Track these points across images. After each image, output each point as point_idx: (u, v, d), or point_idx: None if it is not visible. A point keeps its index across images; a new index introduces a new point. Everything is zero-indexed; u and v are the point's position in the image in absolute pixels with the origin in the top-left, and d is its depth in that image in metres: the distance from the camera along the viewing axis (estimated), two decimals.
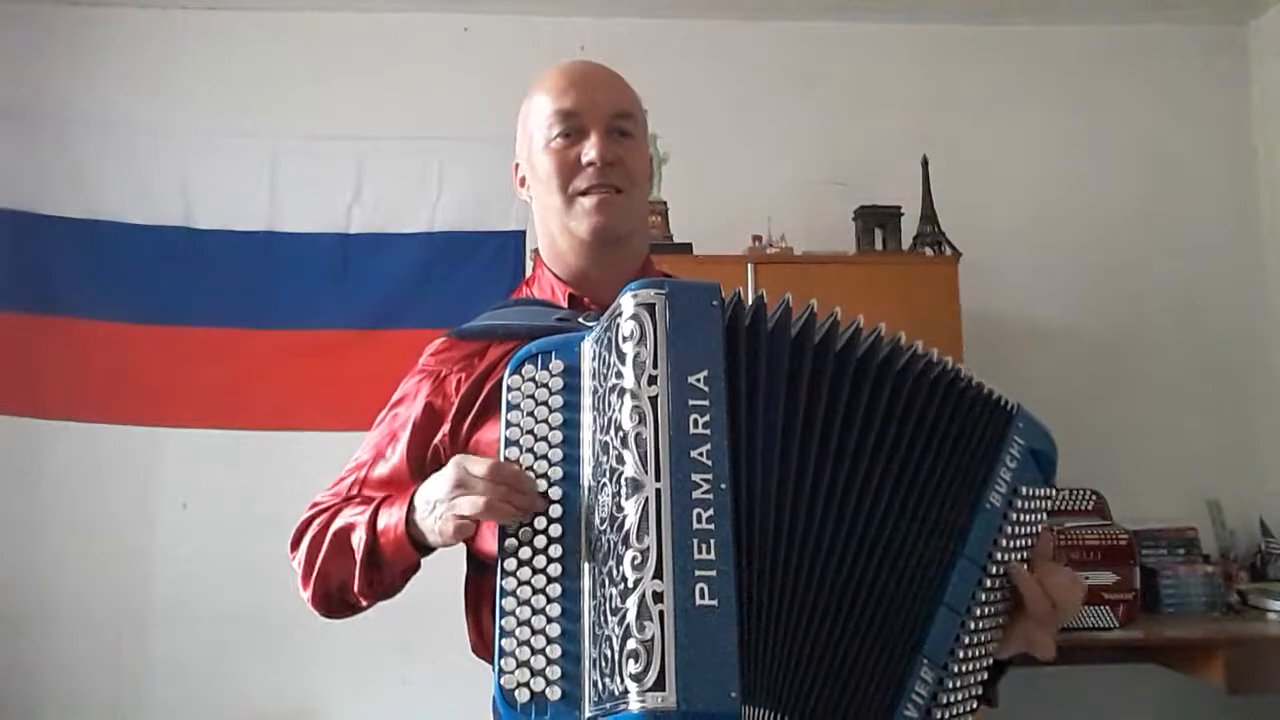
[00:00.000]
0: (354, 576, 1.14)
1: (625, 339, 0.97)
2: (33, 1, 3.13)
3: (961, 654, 1.02)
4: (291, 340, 3.07)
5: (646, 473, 0.92)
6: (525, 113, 1.27)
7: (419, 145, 3.11)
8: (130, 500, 2.99)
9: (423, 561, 1.14)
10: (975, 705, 1.04)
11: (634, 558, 0.90)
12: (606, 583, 0.92)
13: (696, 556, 0.90)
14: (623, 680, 0.87)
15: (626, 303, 0.99)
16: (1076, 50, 3.31)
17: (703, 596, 0.88)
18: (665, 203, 2.87)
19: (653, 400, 0.94)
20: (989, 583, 1.04)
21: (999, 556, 1.05)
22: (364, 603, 1.18)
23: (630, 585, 0.89)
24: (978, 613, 1.03)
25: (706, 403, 0.95)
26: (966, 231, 2.92)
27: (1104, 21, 3.29)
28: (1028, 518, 1.09)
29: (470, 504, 0.98)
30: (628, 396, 0.95)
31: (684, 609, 0.88)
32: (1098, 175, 3.25)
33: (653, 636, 0.87)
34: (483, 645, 1.17)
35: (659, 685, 0.85)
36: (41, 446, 2.98)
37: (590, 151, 1.19)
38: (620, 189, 1.21)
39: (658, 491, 0.91)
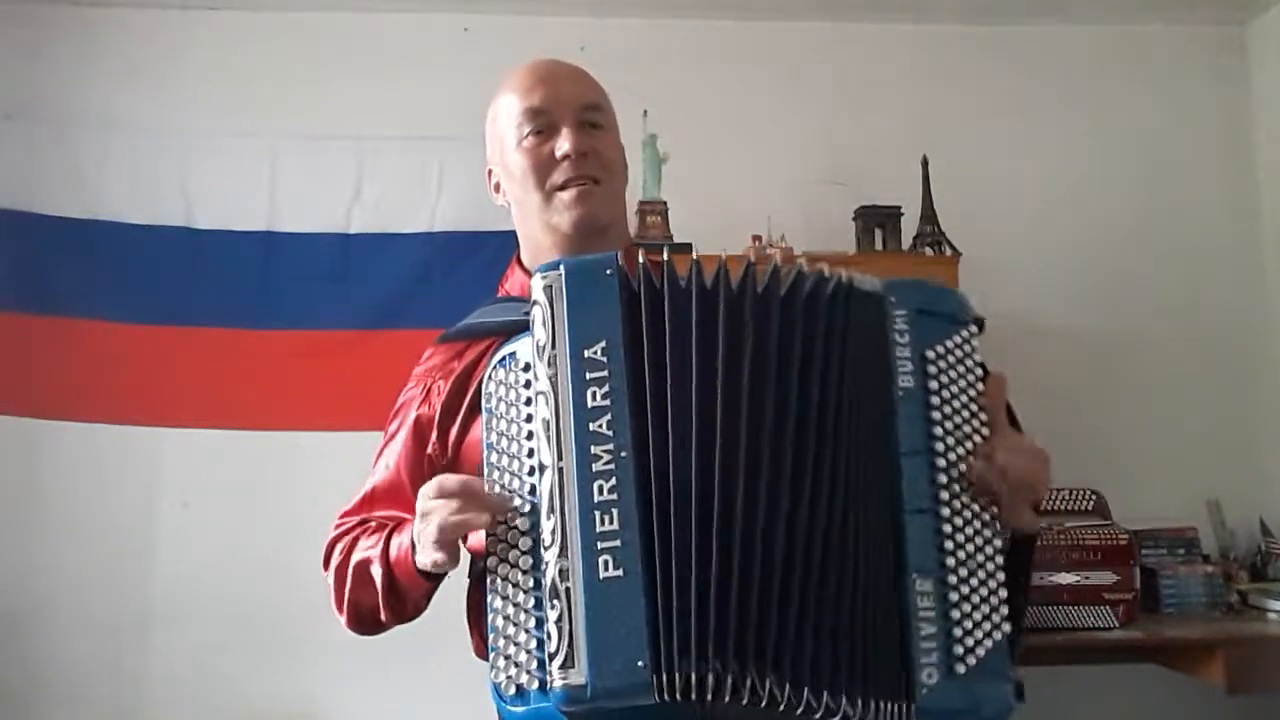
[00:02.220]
0: (379, 606, 1.17)
1: (533, 324, 0.99)
2: (33, 1, 3.13)
3: (951, 546, 0.95)
4: (291, 340, 3.06)
5: (552, 454, 0.94)
6: (492, 115, 1.27)
7: (419, 145, 3.11)
8: (130, 500, 2.98)
9: None
10: (1005, 608, 0.95)
11: (544, 539, 0.92)
12: (545, 567, 0.93)
13: (599, 529, 0.90)
14: (548, 661, 0.88)
15: (535, 287, 1.00)
16: (1076, 50, 3.30)
17: (607, 568, 0.89)
18: (665, 203, 2.87)
19: (552, 381, 0.96)
20: (942, 463, 0.98)
21: (940, 433, 0.98)
22: (395, 623, 1.21)
23: (543, 566, 0.91)
24: (952, 500, 0.96)
25: (605, 374, 0.95)
26: (966, 231, 2.92)
27: (1104, 21, 3.29)
28: (953, 373, 1.01)
29: (437, 528, 1.00)
30: (538, 383, 0.97)
31: (589, 583, 0.89)
32: (1098, 175, 3.25)
33: (561, 614, 0.88)
34: (484, 649, 1.18)
35: (569, 662, 0.87)
36: (41, 446, 2.98)
37: (564, 145, 1.19)
38: (598, 179, 1.20)
39: (560, 470, 0.93)
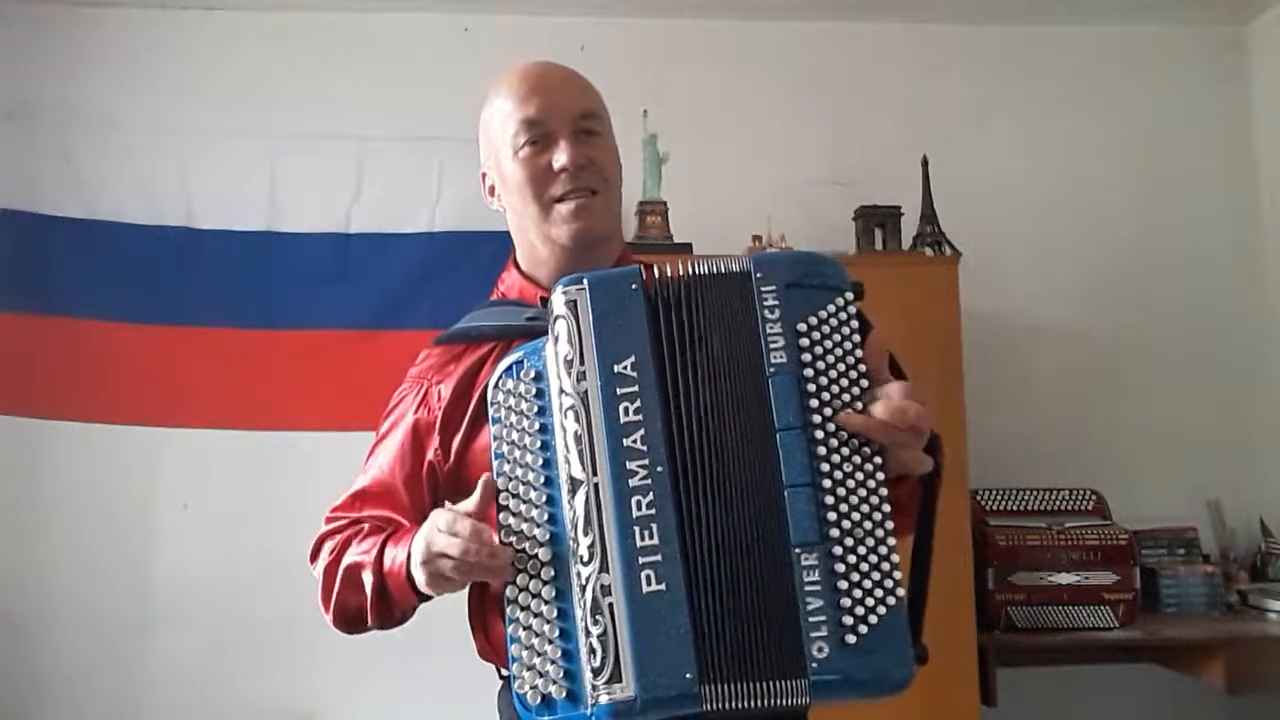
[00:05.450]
0: (367, 610, 1.18)
1: (558, 338, 1.00)
2: (33, 1, 3.13)
3: (835, 517, 0.94)
4: (291, 340, 3.06)
5: (584, 469, 0.95)
6: (486, 120, 1.27)
7: (419, 145, 3.11)
8: (130, 500, 2.98)
9: None
10: (898, 574, 0.94)
11: (582, 554, 0.93)
12: (575, 580, 0.94)
13: (639, 544, 0.92)
14: (591, 675, 0.90)
15: (556, 301, 1.01)
16: (1076, 50, 3.30)
17: (650, 583, 0.91)
18: (665, 203, 2.87)
19: (584, 396, 0.97)
20: (820, 434, 0.97)
21: (816, 404, 0.98)
22: (380, 628, 1.22)
23: (584, 581, 0.92)
24: (832, 471, 0.96)
25: (636, 389, 0.97)
26: (966, 231, 2.91)
27: (1104, 21, 3.29)
28: (828, 343, 1.00)
29: (455, 570, 1.01)
30: (565, 397, 0.98)
31: (632, 597, 0.90)
32: (1098, 175, 3.25)
33: (605, 629, 0.90)
34: (491, 651, 1.19)
35: (616, 677, 0.88)
36: (41, 446, 2.98)
37: (561, 158, 1.19)
38: (595, 190, 1.21)
39: (595, 486, 0.94)
